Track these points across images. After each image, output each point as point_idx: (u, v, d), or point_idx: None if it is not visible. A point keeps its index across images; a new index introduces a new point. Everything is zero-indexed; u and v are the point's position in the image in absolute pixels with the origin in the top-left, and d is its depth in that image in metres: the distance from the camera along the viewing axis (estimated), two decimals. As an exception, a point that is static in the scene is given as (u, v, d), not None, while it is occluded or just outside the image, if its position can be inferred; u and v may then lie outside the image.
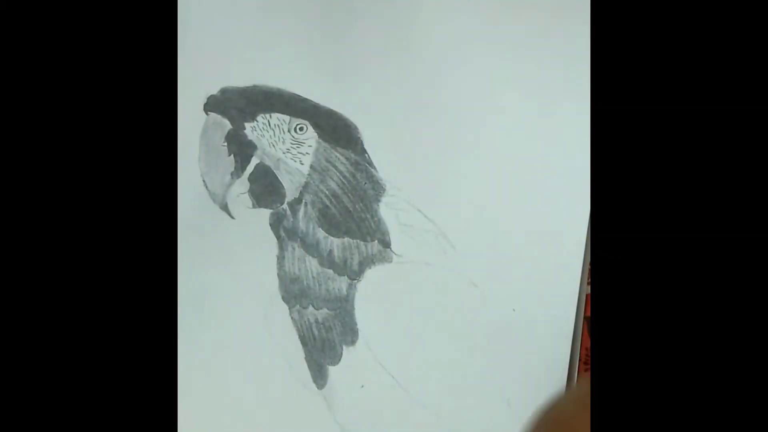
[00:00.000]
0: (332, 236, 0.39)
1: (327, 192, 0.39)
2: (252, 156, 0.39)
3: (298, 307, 0.39)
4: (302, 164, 0.39)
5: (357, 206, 0.39)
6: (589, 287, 0.37)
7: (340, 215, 0.39)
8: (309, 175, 0.39)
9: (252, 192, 0.39)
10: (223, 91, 0.39)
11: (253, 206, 0.39)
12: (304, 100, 0.39)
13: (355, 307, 0.39)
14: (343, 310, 0.39)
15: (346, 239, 0.39)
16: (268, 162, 0.39)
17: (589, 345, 0.37)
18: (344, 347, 0.39)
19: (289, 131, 0.39)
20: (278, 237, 0.39)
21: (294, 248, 0.39)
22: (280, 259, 0.39)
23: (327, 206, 0.39)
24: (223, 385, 0.39)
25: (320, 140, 0.39)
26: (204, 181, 0.39)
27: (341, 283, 0.39)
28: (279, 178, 0.39)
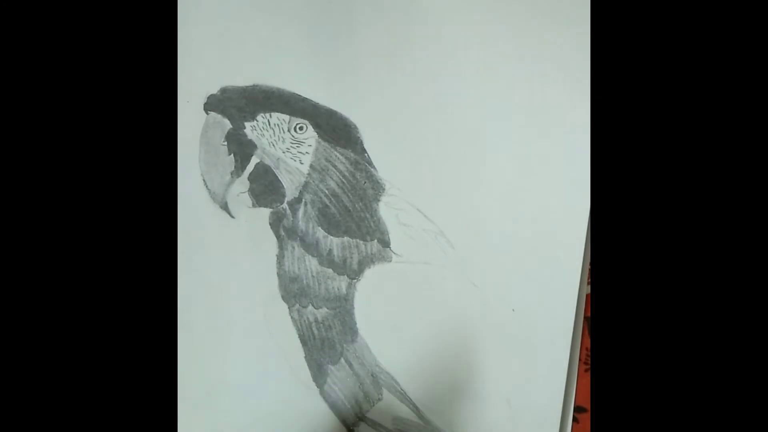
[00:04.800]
0: (332, 235, 0.39)
1: (327, 191, 0.39)
2: (252, 155, 0.39)
3: (297, 306, 0.39)
4: (302, 164, 0.39)
5: (356, 206, 0.39)
6: (589, 287, 0.37)
7: (339, 215, 0.39)
8: (309, 174, 0.39)
9: (252, 191, 0.39)
10: (223, 91, 0.39)
11: (253, 205, 0.39)
12: (304, 99, 0.39)
13: (355, 306, 0.39)
14: (342, 309, 0.39)
15: (346, 239, 0.39)
16: (267, 161, 0.39)
17: (589, 345, 0.37)
18: (344, 346, 0.39)
19: (288, 131, 0.39)
20: (278, 236, 0.39)
21: (294, 247, 0.39)
22: (280, 258, 0.39)
23: (327, 205, 0.39)
24: (222, 384, 0.39)
25: (320, 140, 0.39)
26: (204, 180, 0.39)
27: (341, 283, 0.39)
28: (279, 177, 0.39)
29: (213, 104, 0.39)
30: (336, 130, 0.39)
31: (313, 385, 0.39)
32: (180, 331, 0.38)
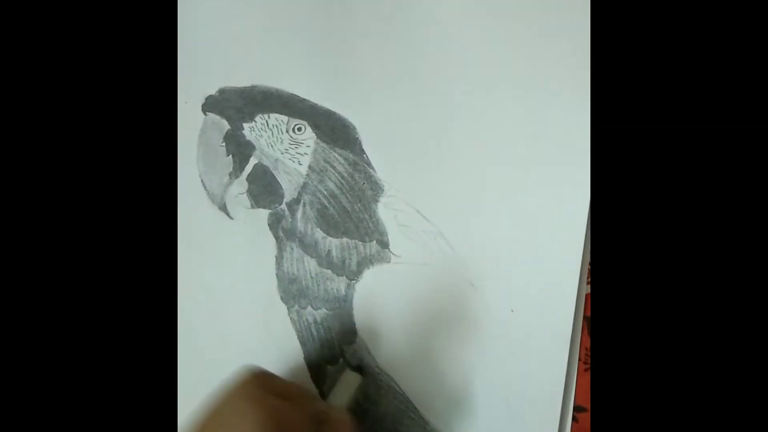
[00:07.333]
0: (331, 236, 0.39)
1: (325, 192, 0.39)
2: (250, 156, 0.39)
3: (296, 307, 0.39)
4: (300, 165, 0.39)
5: (355, 207, 0.39)
6: (589, 287, 0.37)
7: (338, 216, 0.39)
8: (307, 175, 0.39)
9: (250, 192, 0.39)
10: (222, 92, 0.39)
11: (252, 206, 0.39)
12: (303, 100, 0.39)
13: (354, 307, 0.39)
14: (341, 310, 0.39)
15: (345, 239, 0.39)
16: (266, 162, 0.39)
17: (588, 345, 0.37)
18: (343, 347, 0.39)
19: (287, 131, 0.39)
20: (277, 237, 0.39)
21: (292, 248, 0.39)
22: (279, 259, 0.39)
23: (325, 207, 0.39)
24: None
25: (318, 141, 0.39)
26: (202, 181, 0.39)
27: (340, 284, 0.39)
28: (277, 178, 0.39)
29: (211, 105, 0.39)
30: (334, 131, 0.39)
31: (312, 386, 0.39)
32: (180, 332, 0.38)
